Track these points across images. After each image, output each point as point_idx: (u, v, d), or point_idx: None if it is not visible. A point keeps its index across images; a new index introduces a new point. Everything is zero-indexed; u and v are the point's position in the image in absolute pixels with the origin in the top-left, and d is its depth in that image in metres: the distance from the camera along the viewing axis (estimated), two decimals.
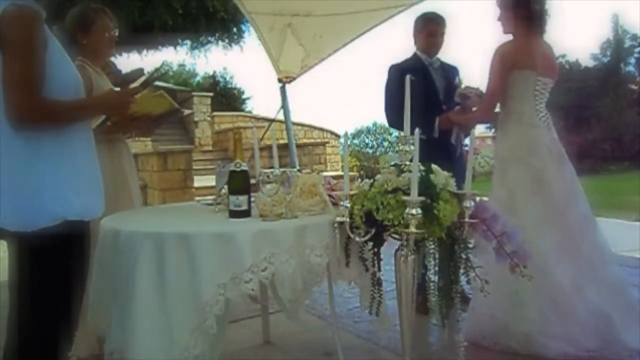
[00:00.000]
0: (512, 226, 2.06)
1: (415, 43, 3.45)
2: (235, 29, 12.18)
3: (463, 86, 3.26)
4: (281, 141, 6.14)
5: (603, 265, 2.75)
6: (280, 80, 5.01)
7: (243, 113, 15.22)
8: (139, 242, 1.89)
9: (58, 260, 1.64)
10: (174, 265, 1.82)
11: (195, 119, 12.58)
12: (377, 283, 2.03)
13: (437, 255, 1.99)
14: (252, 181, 2.17)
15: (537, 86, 2.83)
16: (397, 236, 1.96)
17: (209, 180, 5.70)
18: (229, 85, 19.71)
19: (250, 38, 12.42)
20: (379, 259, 2.02)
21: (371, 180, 2.01)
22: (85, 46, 2.67)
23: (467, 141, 3.29)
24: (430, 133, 3.13)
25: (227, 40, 12.48)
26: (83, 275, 1.76)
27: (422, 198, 1.83)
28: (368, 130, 22.18)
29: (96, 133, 1.94)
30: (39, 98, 1.59)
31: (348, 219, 1.96)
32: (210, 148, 12.34)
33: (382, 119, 3.59)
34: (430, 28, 3.37)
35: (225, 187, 2.13)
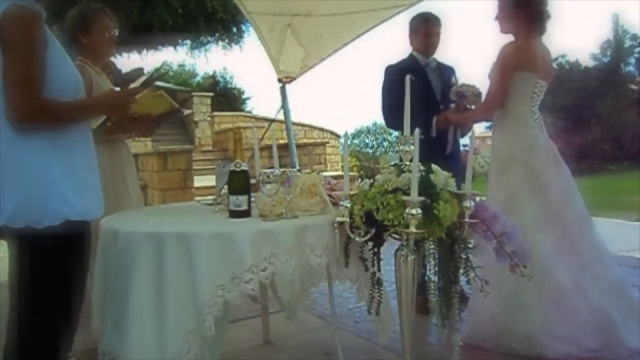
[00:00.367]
0: (512, 226, 2.06)
1: (411, 44, 3.45)
2: (235, 29, 12.18)
3: (459, 83, 3.25)
4: (281, 141, 6.15)
5: (601, 264, 2.76)
6: (280, 80, 5.00)
7: (243, 113, 15.22)
8: (139, 242, 1.89)
9: (58, 260, 1.64)
10: (173, 266, 1.83)
11: (195, 119, 12.59)
12: (377, 283, 2.03)
13: (437, 255, 1.99)
14: (252, 181, 2.17)
15: (535, 88, 2.84)
16: (397, 236, 1.96)
17: (209, 180, 5.71)
18: (229, 85, 19.70)
19: (250, 38, 12.43)
20: (379, 259, 2.02)
21: (371, 180, 2.02)
22: (85, 46, 2.67)
23: (466, 141, 3.28)
24: (428, 133, 3.13)
25: (227, 41, 12.47)
26: (83, 275, 1.76)
27: (422, 198, 1.83)
28: (368, 130, 22.20)
29: (96, 133, 1.94)
30: (39, 98, 1.59)
31: (348, 219, 1.96)
32: (210, 148, 12.35)
33: (382, 119, 3.59)
34: (426, 29, 3.37)
35: (225, 187, 2.13)
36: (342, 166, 3.43)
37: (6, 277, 1.66)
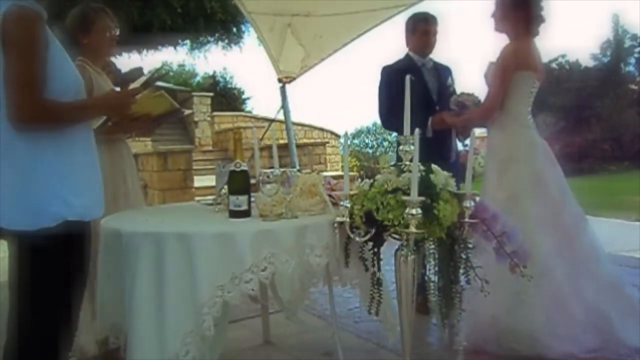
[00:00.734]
0: (512, 226, 2.06)
1: (407, 44, 3.45)
2: (234, 30, 12.18)
3: (459, 92, 3.24)
4: (281, 141, 6.14)
5: (598, 263, 2.76)
6: (280, 80, 5.00)
7: (243, 113, 15.23)
8: (139, 242, 1.89)
9: (58, 260, 1.64)
10: (173, 266, 1.83)
11: (195, 119, 12.59)
12: (377, 283, 2.03)
13: (437, 255, 2.00)
14: (252, 181, 2.17)
15: (533, 88, 2.85)
16: (397, 236, 1.97)
17: (209, 180, 5.71)
18: (229, 85, 19.69)
19: (250, 38, 12.44)
20: (379, 259, 2.02)
21: (371, 180, 2.02)
22: (86, 46, 2.67)
23: (466, 141, 3.27)
24: (424, 133, 3.12)
25: (226, 41, 12.47)
26: (83, 275, 1.76)
27: (422, 198, 1.84)
28: (368, 130, 22.16)
29: (96, 133, 1.94)
30: (41, 99, 1.59)
31: (348, 219, 1.97)
32: (210, 148, 12.35)
33: None
34: (424, 27, 3.37)
35: (225, 187, 2.13)
36: (342, 166, 3.43)
37: (6, 277, 1.66)
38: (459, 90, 3.33)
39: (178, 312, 1.80)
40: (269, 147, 5.16)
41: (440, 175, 1.98)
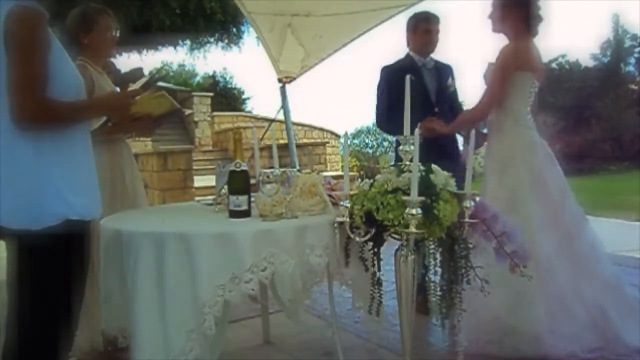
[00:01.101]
0: (512, 226, 2.06)
1: (408, 44, 3.44)
2: (234, 30, 12.18)
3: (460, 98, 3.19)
4: (281, 141, 6.14)
5: (597, 262, 2.76)
6: (280, 80, 5.00)
7: (243, 113, 15.23)
8: (139, 242, 1.89)
9: (58, 260, 1.64)
10: (173, 266, 1.83)
11: (195, 119, 12.60)
12: (377, 283, 2.03)
13: (437, 255, 2.00)
14: (252, 181, 2.17)
15: (532, 88, 2.84)
16: (397, 236, 1.97)
17: (209, 180, 5.70)
18: (229, 85, 19.69)
19: (250, 38, 12.44)
20: (379, 259, 2.02)
21: (371, 180, 2.02)
22: (86, 46, 2.67)
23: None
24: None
25: (226, 41, 12.47)
26: (83, 275, 1.76)
27: (422, 198, 1.84)
28: (368, 130, 22.14)
29: (97, 133, 1.95)
30: (43, 99, 1.59)
31: (348, 219, 1.97)
32: (210, 148, 12.35)
33: None
34: (426, 26, 3.36)
35: (225, 187, 2.13)
36: (342, 166, 3.43)
37: (5, 277, 1.66)
38: (459, 90, 3.33)
39: (179, 311, 1.81)
40: (269, 147, 5.16)
41: (440, 175, 1.98)
